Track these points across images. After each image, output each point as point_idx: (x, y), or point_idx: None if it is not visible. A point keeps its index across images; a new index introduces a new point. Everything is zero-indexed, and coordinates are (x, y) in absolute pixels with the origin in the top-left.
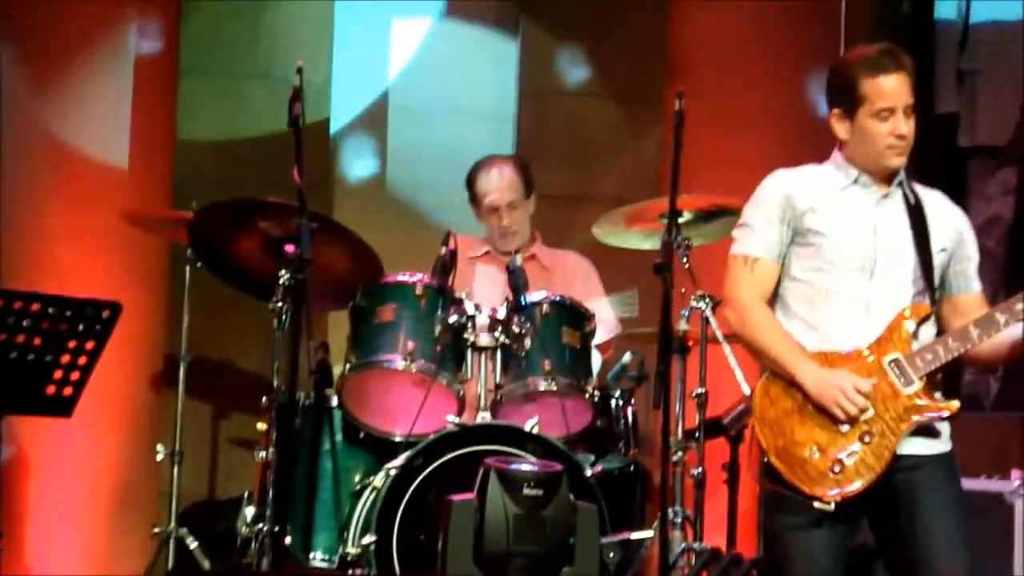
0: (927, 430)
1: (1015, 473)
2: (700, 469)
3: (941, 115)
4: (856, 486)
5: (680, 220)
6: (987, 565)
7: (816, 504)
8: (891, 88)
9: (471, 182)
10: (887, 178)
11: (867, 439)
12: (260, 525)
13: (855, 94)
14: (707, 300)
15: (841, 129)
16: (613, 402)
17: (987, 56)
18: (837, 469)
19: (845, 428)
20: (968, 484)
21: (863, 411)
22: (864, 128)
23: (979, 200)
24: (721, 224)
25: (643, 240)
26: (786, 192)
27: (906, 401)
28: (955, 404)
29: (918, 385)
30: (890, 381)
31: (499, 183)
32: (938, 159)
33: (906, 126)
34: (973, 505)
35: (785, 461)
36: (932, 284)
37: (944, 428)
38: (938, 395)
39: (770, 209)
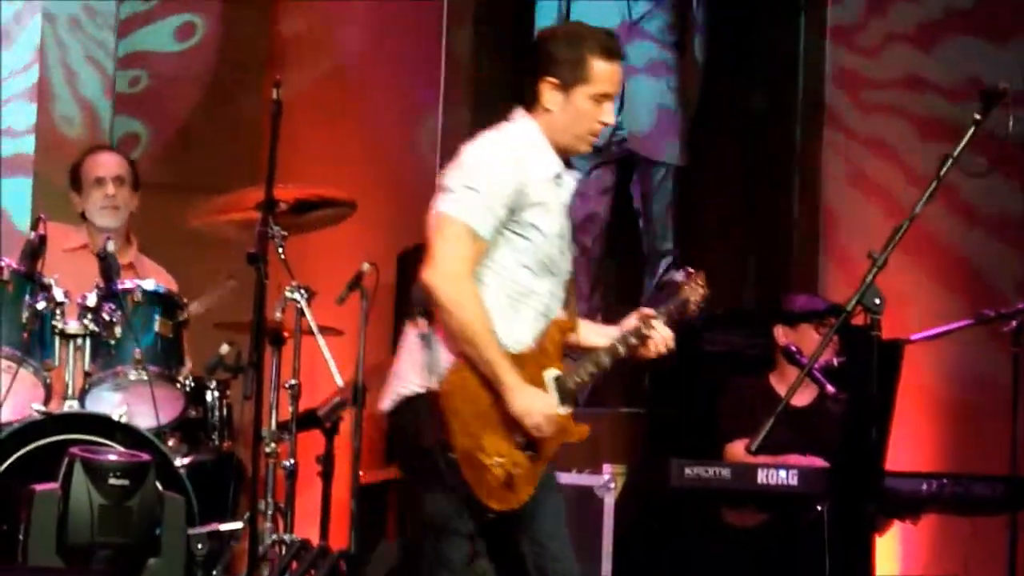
0: None
1: (606, 468)
2: (292, 461)
3: None
4: (519, 502)
5: (277, 210)
6: (579, 557)
7: (488, 515)
8: (618, 77)
9: (77, 168)
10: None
11: (532, 456)
12: None
13: (582, 71)
14: (302, 291)
15: (552, 100)
16: (209, 393)
17: None
18: (509, 483)
19: (519, 440)
20: (562, 478)
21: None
22: (578, 107)
23: (577, 198)
24: (320, 215)
25: (239, 230)
26: (521, 179)
27: (560, 421)
28: (585, 429)
29: (568, 408)
30: (553, 400)
31: (107, 159)
32: None
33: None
34: (567, 499)
35: (467, 462)
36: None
37: None
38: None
39: (502, 188)
